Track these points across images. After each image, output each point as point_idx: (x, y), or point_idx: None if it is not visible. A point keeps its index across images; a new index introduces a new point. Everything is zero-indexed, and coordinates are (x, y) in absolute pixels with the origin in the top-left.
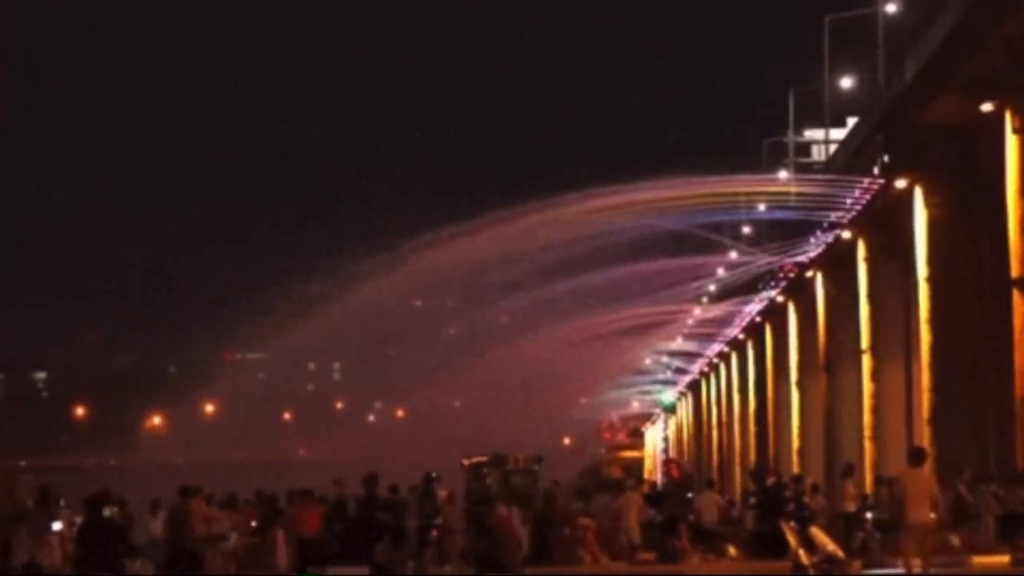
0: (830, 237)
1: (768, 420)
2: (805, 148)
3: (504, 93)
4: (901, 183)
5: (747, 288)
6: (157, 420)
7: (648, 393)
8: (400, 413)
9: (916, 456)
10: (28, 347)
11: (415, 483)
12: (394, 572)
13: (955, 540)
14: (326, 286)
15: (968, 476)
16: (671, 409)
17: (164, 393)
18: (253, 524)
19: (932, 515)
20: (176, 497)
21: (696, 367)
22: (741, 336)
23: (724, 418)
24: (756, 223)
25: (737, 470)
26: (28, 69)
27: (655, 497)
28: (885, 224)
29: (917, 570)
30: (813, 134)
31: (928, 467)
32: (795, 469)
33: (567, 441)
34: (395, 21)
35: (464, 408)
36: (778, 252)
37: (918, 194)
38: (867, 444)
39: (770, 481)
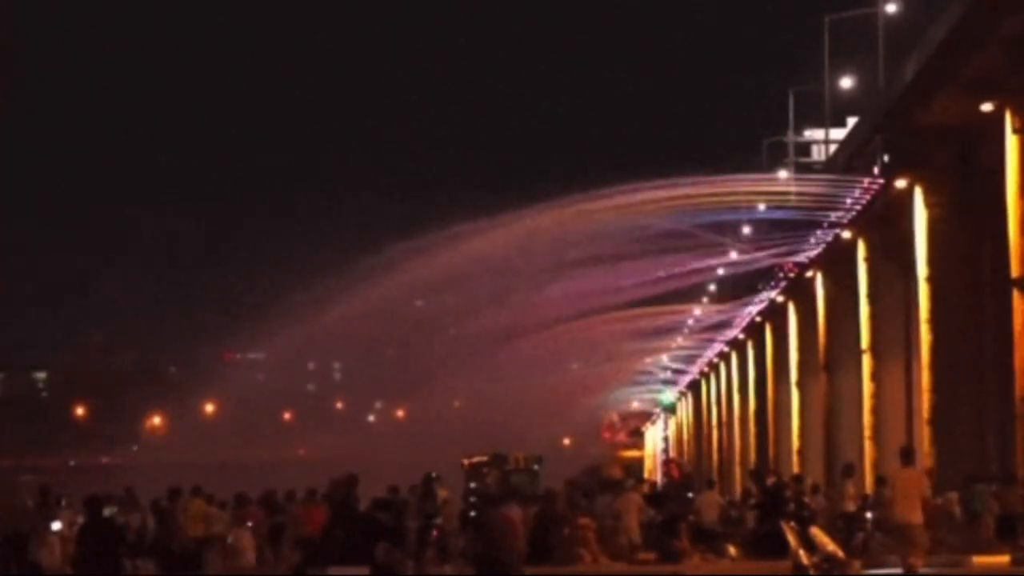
0: (830, 237)
1: (768, 420)
2: (805, 148)
3: (504, 93)
4: (901, 183)
5: (747, 288)
6: (157, 420)
7: (648, 393)
8: (400, 413)
9: (906, 455)
10: (28, 347)
11: (415, 483)
12: (394, 572)
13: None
14: (326, 286)
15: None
16: (671, 409)
17: (164, 393)
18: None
19: (920, 515)
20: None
21: (696, 367)
22: (741, 336)
23: (724, 418)
24: (756, 223)
25: (737, 470)
26: (29, 70)
27: (655, 497)
28: (885, 224)
29: (922, 570)
30: (813, 134)
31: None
32: (795, 469)
33: (567, 441)
34: (395, 21)
35: (464, 408)
36: (778, 252)
37: (918, 194)
38: (867, 444)
39: (770, 481)
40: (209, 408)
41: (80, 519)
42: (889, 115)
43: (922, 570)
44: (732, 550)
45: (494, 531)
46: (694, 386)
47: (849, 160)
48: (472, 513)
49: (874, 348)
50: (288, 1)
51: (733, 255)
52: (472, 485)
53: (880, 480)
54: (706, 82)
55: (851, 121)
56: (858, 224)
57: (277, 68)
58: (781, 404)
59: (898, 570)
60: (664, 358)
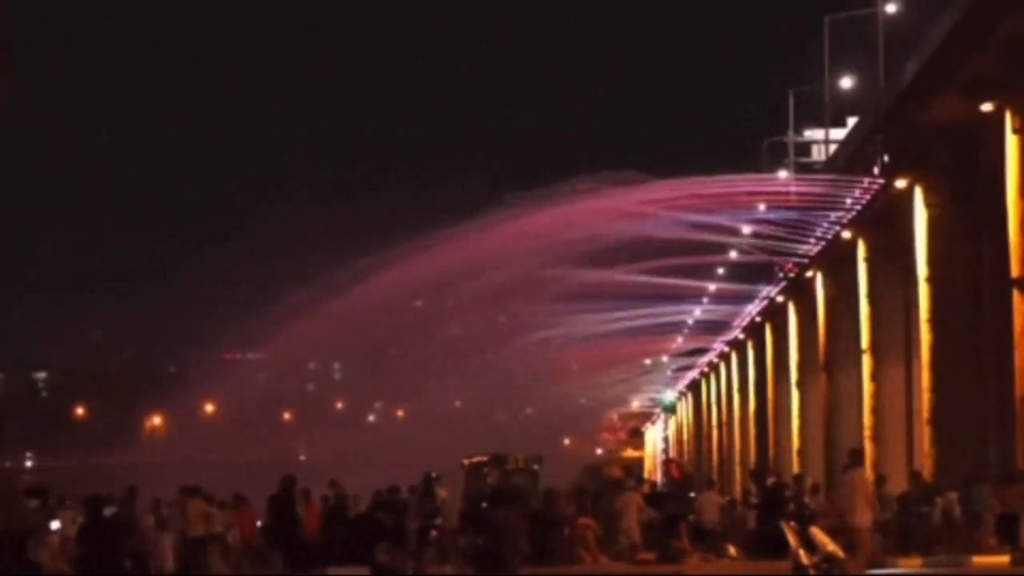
0: (830, 237)
1: (768, 420)
2: (805, 148)
3: (503, 94)
4: (901, 183)
5: (747, 288)
6: (157, 420)
7: (648, 393)
8: (400, 413)
9: (854, 456)
10: (28, 347)
11: (415, 483)
12: (394, 572)
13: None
14: (326, 286)
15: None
16: (671, 409)
17: (164, 393)
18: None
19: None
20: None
21: (696, 367)
22: (741, 336)
23: (724, 418)
24: (756, 223)
25: (737, 470)
26: (29, 70)
27: (655, 497)
28: (885, 224)
29: (915, 569)
30: (813, 134)
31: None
32: (795, 469)
33: (567, 441)
34: (395, 21)
35: (464, 408)
36: (778, 252)
37: (918, 194)
38: (867, 444)
39: (770, 481)
40: (209, 408)
41: (80, 519)
42: (889, 115)
43: (921, 570)
44: (732, 550)
45: (496, 531)
46: (694, 386)
47: (849, 160)
48: (473, 513)
49: (874, 348)
50: (277, 5)
51: (733, 255)
52: (472, 485)
53: (880, 480)
54: (706, 82)
55: (851, 121)
56: (858, 224)
57: (277, 68)
58: (781, 404)
59: (898, 570)
60: (664, 358)
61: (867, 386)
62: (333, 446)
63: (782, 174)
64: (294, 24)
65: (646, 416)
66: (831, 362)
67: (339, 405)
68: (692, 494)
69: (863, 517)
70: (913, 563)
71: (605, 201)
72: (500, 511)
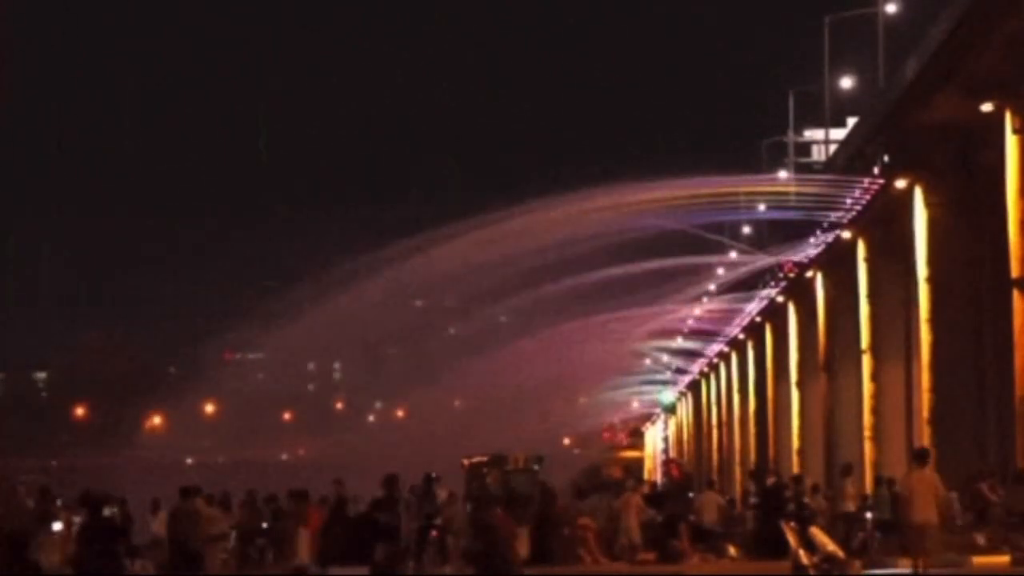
0: (830, 237)
1: (768, 420)
2: (805, 148)
3: (504, 94)
4: (901, 183)
5: (747, 288)
6: (157, 420)
7: (648, 393)
8: (400, 413)
9: (920, 456)
10: (28, 347)
11: (415, 483)
12: (394, 572)
13: (980, 539)
14: (326, 286)
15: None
16: (671, 409)
17: (164, 393)
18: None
19: (935, 515)
20: (177, 497)
21: (696, 367)
22: (741, 336)
23: (724, 418)
24: (756, 223)
25: (737, 470)
26: (30, 72)
27: (655, 497)
28: (885, 224)
29: (922, 570)
30: (813, 134)
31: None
32: (795, 469)
33: (567, 441)
34: (392, 22)
35: (464, 408)
36: (778, 252)
37: (918, 194)
38: (867, 444)
39: (770, 481)
40: (209, 408)
41: (79, 519)
42: (889, 115)
43: (926, 570)
44: (732, 550)
45: (494, 531)
46: (694, 386)
47: (849, 160)
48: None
49: (874, 348)
50: (277, 5)
51: (733, 255)
52: (472, 485)
53: (879, 480)
54: (706, 82)
55: (851, 121)
56: (858, 224)
57: (280, 69)
58: (781, 404)
59: (898, 570)
60: (664, 358)
61: (867, 386)
62: (333, 446)
63: (782, 174)
64: (294, 24)
65: (646, 416)
66: (831, 362)
67: (339, 405)
68: (692, 494)
69: (931, 515)
70: (919, 563)
71: (605, 200)
72: (497, 512)
